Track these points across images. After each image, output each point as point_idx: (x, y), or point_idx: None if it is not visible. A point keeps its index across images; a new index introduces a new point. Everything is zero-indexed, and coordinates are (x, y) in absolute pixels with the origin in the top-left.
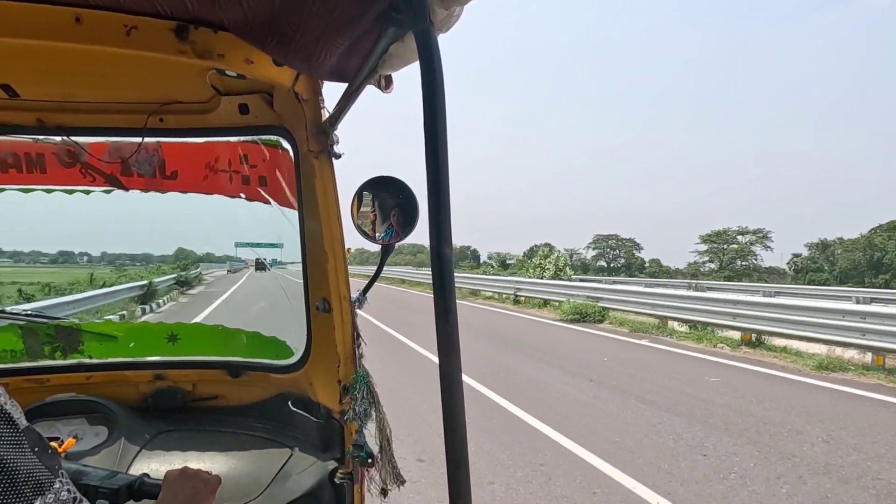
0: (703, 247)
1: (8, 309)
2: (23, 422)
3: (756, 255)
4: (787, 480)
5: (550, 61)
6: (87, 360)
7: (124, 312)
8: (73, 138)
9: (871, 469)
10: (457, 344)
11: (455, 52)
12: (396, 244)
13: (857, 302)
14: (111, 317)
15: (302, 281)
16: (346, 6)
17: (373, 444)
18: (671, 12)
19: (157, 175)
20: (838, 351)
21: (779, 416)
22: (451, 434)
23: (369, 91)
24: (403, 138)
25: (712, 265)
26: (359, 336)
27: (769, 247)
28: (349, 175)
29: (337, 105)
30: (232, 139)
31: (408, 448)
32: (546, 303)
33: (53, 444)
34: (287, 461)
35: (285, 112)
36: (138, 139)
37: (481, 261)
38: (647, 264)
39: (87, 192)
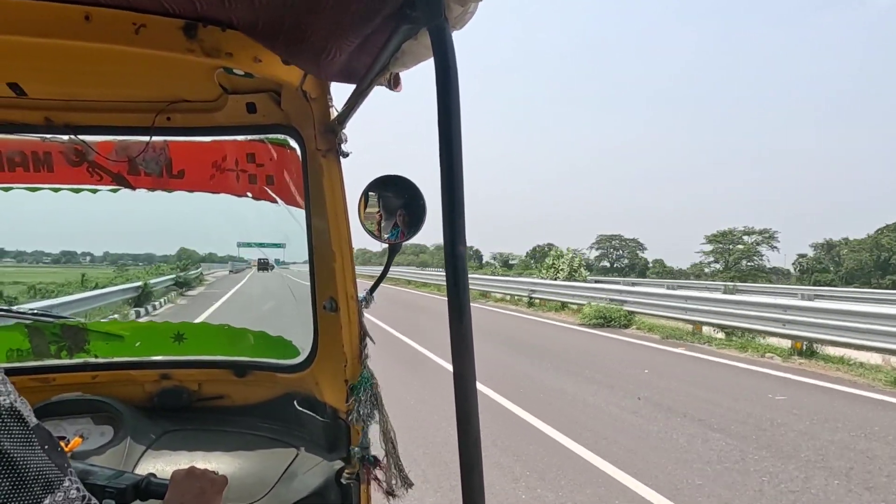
0: (709, 247)
1: (14, 308)
2: (32, 420)
3: (762, 256)
4: None
5: (552, 62)
6: (92, 360)
7: (116, 316)
8: (81, 137)
9: None
10: (471, 345)
11: (458, 52)
12: (403, 244)
13: None
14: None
15: (307, 281)
16: (360, 3)
17: (378, 447)
18: (674, 12)
19: (165, 174)
20: (894, 361)
21: (884, 450)
22: (464, 436)
23: (376, 90)
24: (409, 137)
25: (717, 265)
26: (366, 336)
27: (776, 247)
28: (355, 174)
29: (346, 104)
30: (239, 138)
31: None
32: (564, 306)
33: (60, 443)
34: (293, 461)
35: (293, 111)
36: (146, 138)
37: (484, 261)
38: (651, 265)
39: (94, 192)
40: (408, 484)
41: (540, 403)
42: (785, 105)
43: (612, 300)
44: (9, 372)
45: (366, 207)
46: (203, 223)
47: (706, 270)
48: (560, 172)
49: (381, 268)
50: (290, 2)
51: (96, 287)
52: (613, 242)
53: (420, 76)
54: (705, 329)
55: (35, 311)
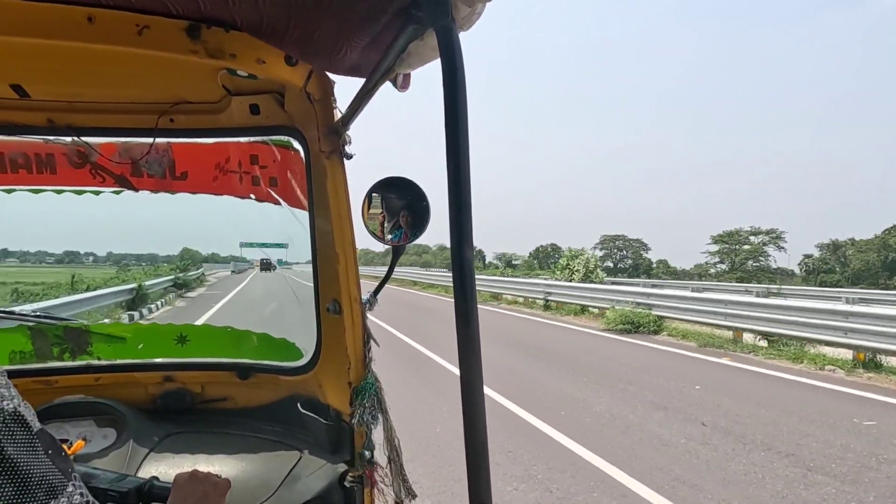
0: (715, 247)
1: (17, 310)
2: (36, 424)
3: (769, 256)
4: None
5: (555, 62)
6: (95, 362)
7: (106, 321)
8: (84, 139)
9: None
10: (478, 348)
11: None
12: (407, 245)
13: None
14: None
15: (309, 281)
16: (364, 3)
17: (381, 453)
18: (679, 13)
19: (168, 176)
20: None
21: None
22: (471, 439)
23: (381, 91)
24: (412, 139)
25: (723, 266)
26: (370, 338)
27: (783, 247)
28: (359, 176)
29: (350, 105)
30: (242, 140)
31: None
32: (583, 309)
33: (62, 446)
34: (296, 464)
35: (297, 112)
36: (149, 140)
37: (487, 261)
38: (655, 265)
39: (97, 193)
40: (411, 495)
41: (591, 432)
42: (790, 106)
43: (638, 304)
44: (12, 374)
45: (369, 209)
46: (206, 224)
47: (711, 271)
48: (563, 172)
49: (383, 267)
50: (294, 1)
51: (87, 289)
52: (617, 243)
53: (424, 77)
54: (745, 336)
55: (38, 313)
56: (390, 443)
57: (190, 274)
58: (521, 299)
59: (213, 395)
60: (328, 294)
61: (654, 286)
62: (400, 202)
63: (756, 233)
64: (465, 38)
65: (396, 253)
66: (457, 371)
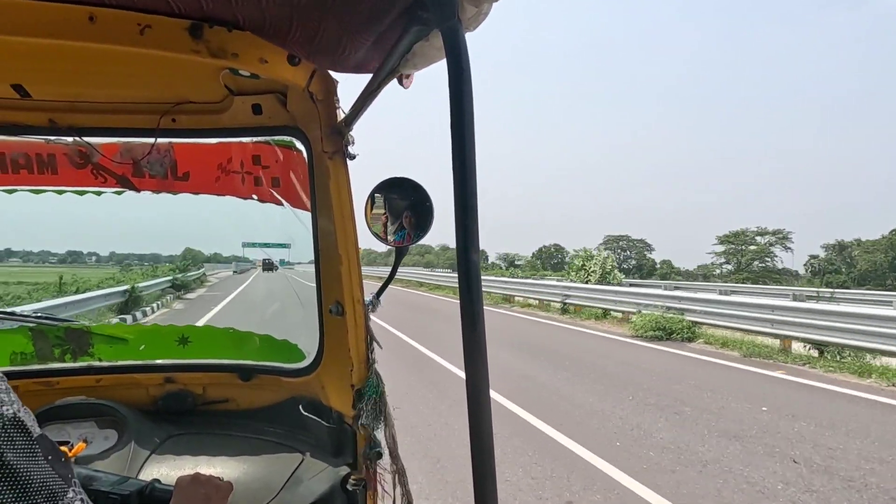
0: (721, 248)
1: (18, 310)
2: (36, 429)
3: (775, 257)
4: None
5: (559, 61)
6: (96, 363)
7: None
8: (85, 139)
9: None
10: (484, 352)
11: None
12: (410, 246)
13: None
14: None
15: (311, 282)
16: (368, 2)
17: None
18: (684, 11)
19: (169, 176)
20: None
21: None
22: (477, 445)
23: (384, 91)
24: (415, 140)
25: (728, 266)
26: (373, 340)
27: (789, 248)
28: (362, 177)
29: (353, 105)
30: (245, 140)
31: None
32: (605, 313)
33: (63, 448)
34: (298, 466)
35: (299, 112)
36: (151, 140)
37: (490, 261)
38: (659, 265)
39: (99, 194)
40: (408, 499)
41: (663, 473)
42: (795, 105)
43: (667, 308)
44: (12, 375)
45: (372, 209)
46: (208, 224)
47: (716, 272)
48: (566, 173)
49: (386, 268)
50: (297, 0)
51: (77, 291)
52: (621, 243)
53: (428, 78)
54: (794, 345)
55: (38, 314)
56: (393, 450)
57: (189, 274)
58: (533, 302)
59: (214, 396)
60: (331, 295)
61: (675, 288)
62: (403, 203)
63: (762, 233)
64: (469, 37)
65: (400, 254)
66: (458, 372)
